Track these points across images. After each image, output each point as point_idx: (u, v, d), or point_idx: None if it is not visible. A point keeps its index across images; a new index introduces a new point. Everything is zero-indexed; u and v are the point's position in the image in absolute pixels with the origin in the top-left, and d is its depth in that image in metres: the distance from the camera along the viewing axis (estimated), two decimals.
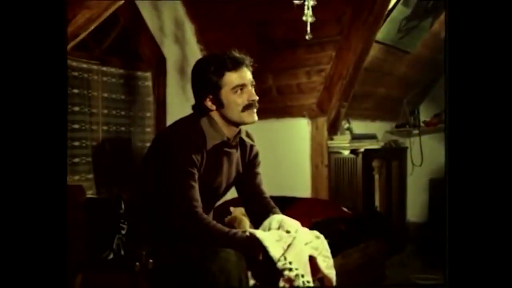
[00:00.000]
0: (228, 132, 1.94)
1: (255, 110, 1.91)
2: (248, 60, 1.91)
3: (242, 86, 1.87)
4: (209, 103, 1.89)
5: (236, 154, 2.02)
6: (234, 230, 1.81)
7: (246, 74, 1.89)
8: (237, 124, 1.93)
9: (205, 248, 1.80)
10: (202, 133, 1.90)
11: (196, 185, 1.83)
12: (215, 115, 1.92)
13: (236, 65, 1.87)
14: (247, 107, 1.88)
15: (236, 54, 1.89)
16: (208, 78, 1.87)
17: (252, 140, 2.11)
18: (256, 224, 2.08)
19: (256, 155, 2.12)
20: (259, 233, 1.80)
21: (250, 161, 2.10)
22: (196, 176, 1.84)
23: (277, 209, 2.06)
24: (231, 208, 2.90)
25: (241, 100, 1.87)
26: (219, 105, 1.89)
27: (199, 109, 1.94)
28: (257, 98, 1.90)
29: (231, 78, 1.86)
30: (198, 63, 1.97)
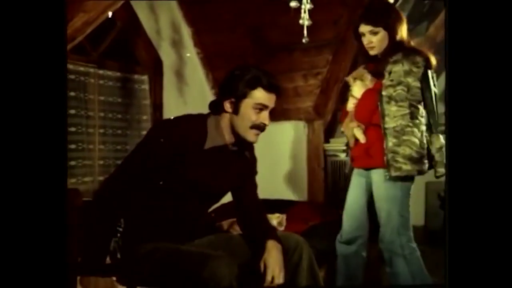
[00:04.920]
0: (228, 138, 1.95)
1: (259, 133, 1.93)
2: (280, 89, 1.95)
3: (263, 107, 1.90)
4: (227, 105, 1.91)
5: (232, 161, 2.03)
6: None
7: (273, 100, 1.92)
8: (238, 136, 1.95)
9: (196, 252, 1.81)
10: (205, 132, 1.92)
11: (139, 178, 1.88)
12: (224, 118, 1.93)
13: (271, 88, 1.90)
14: (256, 127, 1.90)
15: (275, 79, 1.93)
16: (240, 83, 1.89)
17: (252, 153, 2.11)
18: (244, 232, 2.10)
19: (254, 165, 2.13)
20: None
21: (247, 170, 2.10)
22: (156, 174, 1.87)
23: (268, 230, 2.02)
24: None
25: (255, 118, 1.89)
26: (235, 111, 1.90)
27: (215, 107, 1.95)
28: (268, 124, 1.92)
29: (260, 94, 1.89)
30: (239, 67, 1.97)
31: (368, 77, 2.27)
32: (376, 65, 2.27)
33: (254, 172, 2.14)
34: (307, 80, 3.61)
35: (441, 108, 4.84)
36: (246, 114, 1.89)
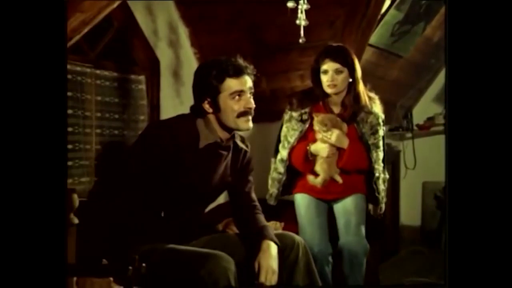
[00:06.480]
0: (222, 134, 1.96)
1: (250, 118, 1.94)
2: (250, 68, 1.94)
3: (240, 93, 1.90)
4: (206, 106, 1.92)
5: (228, 158, 2.03)
6: None
7: (246, 82, 1.92)
8: (231, 130, 1.95)
9: (193, 252, 1.81)
10: (197, 132, 1.92)
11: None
12: (211, 118, 1.94)
13: (237, 72, 1.90)
14: (243, 114, 1.91)
15: (239, 61, 1.93)
16: (208, 81, 1.90)
17: (247, 146, 2.11)
18: (240, 231, 2.10)
19: (249, 161, 2.13)
20: None
21: (243, 167, 2.10)
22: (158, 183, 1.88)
23: (264, 229, 2.02)
24: None
25: (237, 106, 1.90)
26: (216, 109, 1.91)
27: (197, 111, 1.96)
28: (253, 106, 1.93)
29: (231, 84, 1.89)
30: (201, 66, 2.01)
31: (345, 125, 2.43)
32: (348, 111, 2.44)
33: (250, 168, 2.14)
34: (304, 80, 3.61)
35: (438, 108, 4.83)
36: (228, 107, 1.90)
